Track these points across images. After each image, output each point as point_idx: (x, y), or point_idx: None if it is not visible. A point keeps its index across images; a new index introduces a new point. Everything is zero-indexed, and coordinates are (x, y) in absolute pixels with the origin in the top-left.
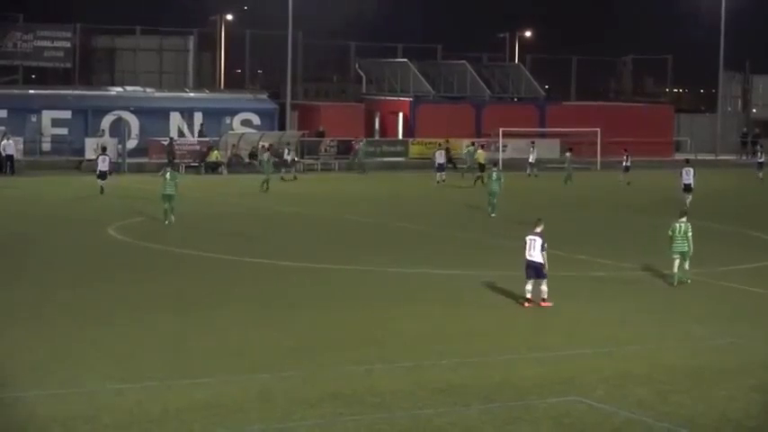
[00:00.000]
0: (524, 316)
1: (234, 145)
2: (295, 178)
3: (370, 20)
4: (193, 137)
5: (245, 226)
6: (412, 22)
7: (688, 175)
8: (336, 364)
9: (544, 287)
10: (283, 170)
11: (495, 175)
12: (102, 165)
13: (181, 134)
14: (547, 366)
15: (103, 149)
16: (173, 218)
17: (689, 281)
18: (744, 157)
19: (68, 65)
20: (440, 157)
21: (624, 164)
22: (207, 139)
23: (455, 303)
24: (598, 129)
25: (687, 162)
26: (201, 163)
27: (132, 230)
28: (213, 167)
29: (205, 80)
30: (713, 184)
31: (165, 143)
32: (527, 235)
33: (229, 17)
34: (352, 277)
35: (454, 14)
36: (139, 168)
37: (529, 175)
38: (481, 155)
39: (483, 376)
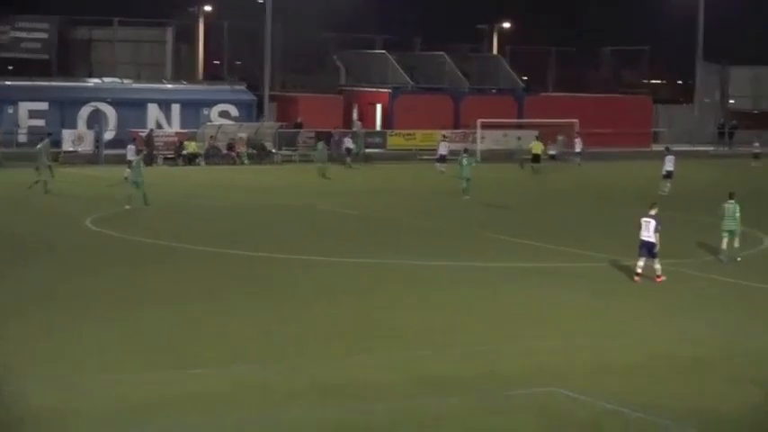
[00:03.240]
0: (506, 307)
1: (212, 136)
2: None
3: (349, 11)
4: (170, 128)
5: (224, 218)
6: (390, 14)
7: (669, 163)
8: (320, 355)
9: (657, 265)
10: (348, 159)
11: (465, 160)
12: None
13: (158, 126)
14: (528, 357)
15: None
16: (142, 204)
17: (738, 258)
18: (722, 148)
19: (46, 56)
20: (443, 149)
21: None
22: (185, 130)
23: (437, 295)
24: (576, 120)
25: (668, 150)
26: (179, 155)
27: (110, 222)
28: (191, 159)
29: (183, 71)
30: (691, 175)
31: (144, 135)
32: (642, 217)
33: (208, 8)
34: (336, 269)
35: (433, 6)
36: (118, 160)
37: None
38: (537, 146)
39: (465, 367)
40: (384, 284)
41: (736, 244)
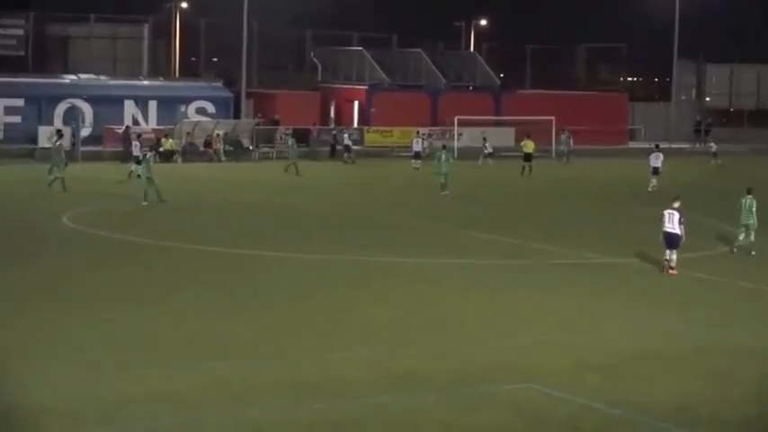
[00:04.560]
0: (483, 304)
1: (188, 133)
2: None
3: (326, 8)
4: (147, 125)
5: (200, 215)
6: (367, 11)
7: (657, 160)
8: (296, 351)
9: (674, 256)
10: (346, 155)
11: (444, 156)
12: (136, 150)
13: (135, 122)
14: (505, 354)
15: (138, 136)
16: (156, 198)
17: (753, 252)
18: (697, 145)
19: (21, 53)
20: (416, 145)
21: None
22: (162, 127)
23: (415, 292)
24: (553, 117)
25: (657, 147)
26: (156, 152)
27: (86, 219)
28: (167, 156)
29: (160, 68)
30: (669, 172)
31: (121, 131)
32: (665, 209)
33: (184, 5)
34: (310, 266)
35: (409, 3)
36: (94, 156)
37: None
38: (529, 144)
39: (442, 364)
40: (359, 281)
41: (752, 238)
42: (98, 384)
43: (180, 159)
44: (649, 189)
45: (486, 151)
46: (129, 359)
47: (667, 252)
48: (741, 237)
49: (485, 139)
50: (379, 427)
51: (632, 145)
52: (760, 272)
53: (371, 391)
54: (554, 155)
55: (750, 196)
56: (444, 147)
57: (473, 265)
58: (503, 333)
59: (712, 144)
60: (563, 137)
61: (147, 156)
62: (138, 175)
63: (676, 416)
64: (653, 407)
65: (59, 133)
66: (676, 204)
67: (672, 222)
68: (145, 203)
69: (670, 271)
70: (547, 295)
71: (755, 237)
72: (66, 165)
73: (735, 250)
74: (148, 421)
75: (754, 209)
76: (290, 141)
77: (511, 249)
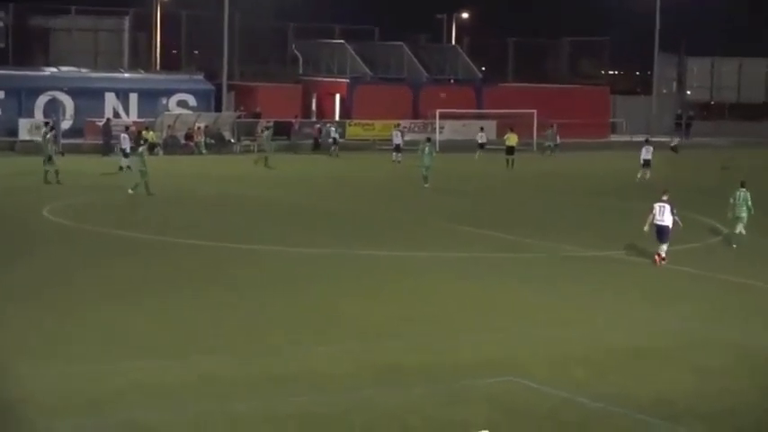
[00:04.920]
0: (465, 297)
1: (170, 126)
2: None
3: (308, 1)
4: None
5: (181, 208)
6: (349, 4)
7: (647, 152)
8: (280, 345)
9: (664, 247)
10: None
11: (427, 149)
12: (125, 143)
13: (116, 115)
14: (489, 347)
15: (126, 128)
16: (144, 190)
17: (734, 246)
18: (679, 139)
19: (2, 45)
20: (396, 138)
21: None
22: (143, 120)
23: (395, 285)
24: (534, 110)
25: (647, 141)
26: (137, 144)
27: (68, 212)
28: (149, 149)
29: (141, 61)
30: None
31: (101, 124)
32: (656, 203)
33: None
34: (292, 259)
35: None
36: (74, 149)
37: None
38: (511, 138)
39: (426, 357)
40: (341, 274)
41: (743, 231)
42: (83, 378)
43: (161, 152)
44: (638, 179)
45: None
46: (113, 354)
47: (662, 246)
48: (737, 230)
49: (482, 128)
50: (362, 421)
51: (614, 138)
52: (747, 265)
53: (356, 385)
54: (535, 148)
55: (744, 189)
56: (428, 140)
57: (457, 258)
58: (487, 327)
59: (675, 138)
60: (550, 131)
61: (141, 149)
62: (128, 167)
63: (659, 409)
64: (636, 400)
65: (49, 125)
66: (665, 197)
67: (663, 215)
68: (131, 192)
69: (659, 261)
70: (533, 289)
71: (745, 230)
72: (59, 155)
73: (734, 245)
74: (133, 414)
75: (749, 202)
76: (266, 134)
77: (495, 243)
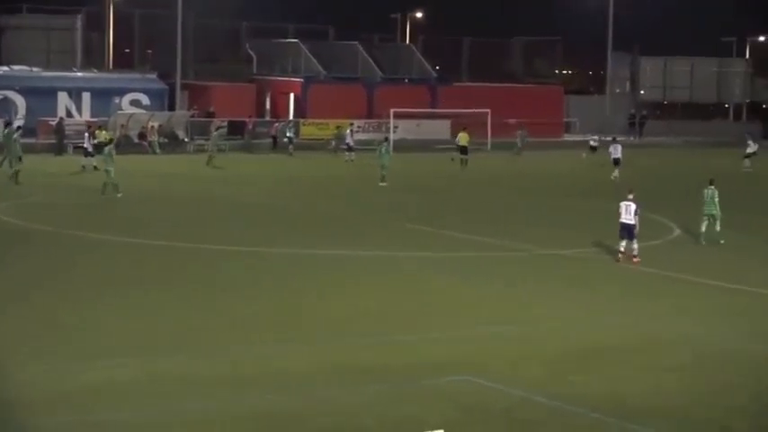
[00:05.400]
0: (424, 297)
1: (123, 125)
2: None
3: (262, 0)
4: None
5: (136, 207)
6: (303, 3)
7: (616, 151)
8: (237, 345)
9: (635, 245)
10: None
11: (384, 148)
12: (86, 142)
13: (69, 114)
14: (446, 346)
15: (89, 127)
16: (114, 192)
17: (722, 241)
18: (632, 138)
19: None
20: (349, 138)
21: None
22: (96, 119)
23: (354, 285)
24: (488, 110)
25: (614, 140)
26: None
27: (21, 212)
28: (102, 148)
29: (94, 60)
30: (601, 163)
31: (54, 123)
32: (622, 201)
33: None
34: (250, 259)
35: None
36: (27, 149)
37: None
38: (464, 137)
39: (382, 356)
40: (300, 274)
41: (718, 227)
42: (38, 378)
43: (114, 152)
44: (612, 178)
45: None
46: (70, 354)
47: (623, 243)
48: (703, 227)
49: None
50: (318, 420)
51: (567, 137)
52: (705, 263)
53: (312, 384)
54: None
55: (712, 187)
56: (386, 139)
57: (415, 257)
58: (444, 325)
59: (595, 137)
60: (520, 132)
61: (107, 149)
62: (95, 167)
63: (615, 408)
64: (593, 399)
65: (12, 125)
66: (631, 196)
67: (629, 213)
68: (119, 195)
69: (633, 260)
70: (490, 288)
71: (720, 226)
72: (20, 159)
73: (702, 242)
74: (88, 415)
75: (717, 199)
76: (215, 134)
77: (453, 242)
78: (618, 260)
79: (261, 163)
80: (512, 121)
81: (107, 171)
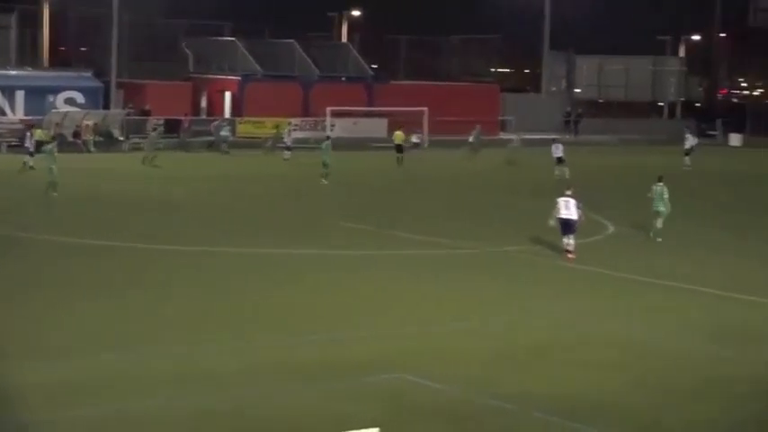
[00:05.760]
0: (359, 295)
1: (57, 124)
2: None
3: None
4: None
5: (72, 207)
6: (240, 1)
7: (558, 150)
8: (178, 344)
9: (572, 241)
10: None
11: (324, 146)
12: (28, 141)
13: (2, 113)
14: (379, 344)
15: (30, 126)
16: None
17: (659, 239)
18: (567, 136)
19: None
20: (287, 138)
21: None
22: (30, 117)
23: (289, 283)
24: (425, 108)
25: (555, 140)
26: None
27: None
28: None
29: (28, 58)
30: (542, 162)
31: None
32: (560, 197)
33: None
34: (187, 258)
35: None
36: None
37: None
38: (399, 136)
39: (315, 354)
40: (235, 273)
41: (660, 224)
42: None
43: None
44: (556, 177)
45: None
46: (11, 353)
47: (565, 238)
48: (659, 223)
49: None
50: (255, 418)
51: (503, 136)
52: (639, 261)
53: (249, 383)
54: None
55: (661, 184)
56: (328, 138)
57: (353, 255)
58: (380, 323)
59: (514, 137)
60: (475, 131)
61: (49, 147)
62: (32, 167)
63: (554, 405)
64: (531, 396)
65: None
66: (569, 192)
67: (569, 209)
68: (55, 194)
69: (568, 255)
70: (428, 285)
71: (663, 224)
72: None
73: (658, 239)
74: (30, 414)
75: (666, 195)
76: (153, 133)
77: (391, 240)
78: (566, 255)
79: (197, 162)
80: (460, 120)
81: (50, 169)
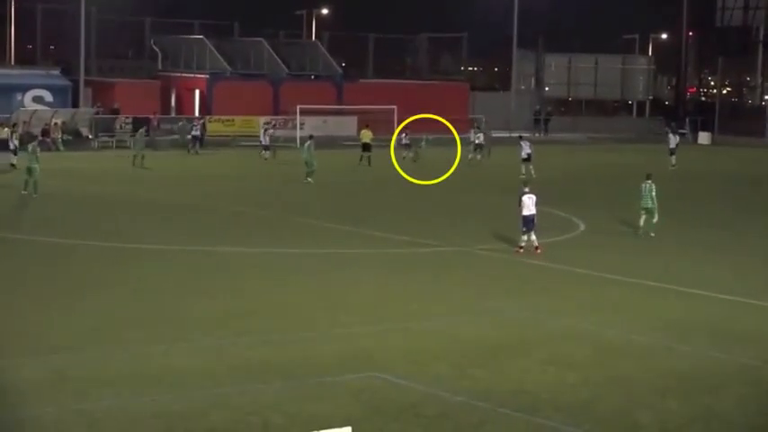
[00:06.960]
0: (326, 293)
1: (25, 122)
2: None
3: None
4: None
5: (39, 205)
6: None
7: (526, 147)
8: (138, 343)
9: (534, 237)
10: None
11: (306, 145)
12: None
13: None
14: (347, 343)
15: (14, 125)
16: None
17: (652, 234)
18: (537, 134)
19: None
20: (264, 138)
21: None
22: None
23: (255, 282)
24: (394, 106)
25: (521, 138)
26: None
27: None
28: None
29: None
30: (508, 161)
31: None
32: (523, 195)
33: None
34: (159, 257)
35: None
36: None
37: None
38: (366, 134)
39: (283, 354)
40: (200, 272)
41: (655, 219)
42: None
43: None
44: (521, 177)
45: (476, 141)
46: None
47: (526, 236)
48: (642, 221)
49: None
50: (223, 419)
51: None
52: (606, 259)
53: (215, 382)
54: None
55: (650, 181)
56: (311, 137)
57: (319, 254)
58: (347, 321)
59: (480, 135)
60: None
61: (31, 145)
62: (12, 165)
63: (519, 402)
64: (497, 393)
65: None
66: (527, 188)
67: (531, 205)
68: (24, 192)
69: (537, 251)
70: (392, 284)
71: (654, 219)
72: None
73: (642, 234)
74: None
75: (654, 193)
76: (139, 133)
77: (357, 238)
78: (518, 252)
79: (166, 161)
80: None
81: (31, 169)
